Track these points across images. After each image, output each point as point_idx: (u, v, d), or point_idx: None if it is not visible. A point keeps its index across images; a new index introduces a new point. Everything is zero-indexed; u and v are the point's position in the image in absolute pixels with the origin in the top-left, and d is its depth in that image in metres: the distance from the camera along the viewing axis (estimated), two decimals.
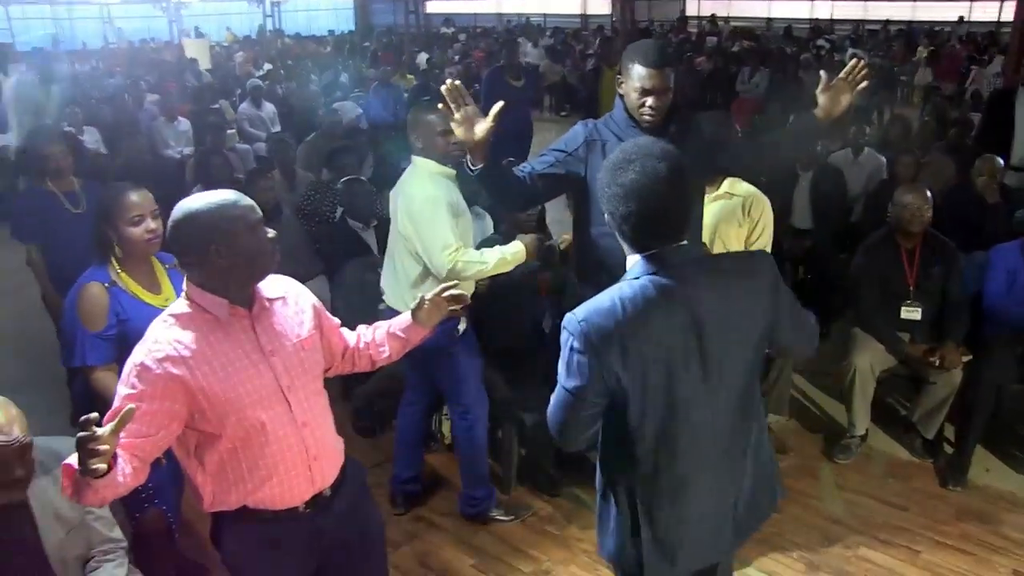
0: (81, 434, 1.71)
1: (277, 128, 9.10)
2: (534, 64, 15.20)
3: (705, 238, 3.66)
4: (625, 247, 2.02)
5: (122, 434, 1.85)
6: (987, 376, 4.08)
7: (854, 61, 2.96)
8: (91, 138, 8.10)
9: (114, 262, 2.78)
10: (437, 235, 3.20)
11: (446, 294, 2.46)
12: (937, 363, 4.09)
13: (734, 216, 3.92)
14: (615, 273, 2.97)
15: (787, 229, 5.91)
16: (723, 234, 3.94)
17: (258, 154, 8.27)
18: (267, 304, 2.15)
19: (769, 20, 26.39)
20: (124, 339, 2.66)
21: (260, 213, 2.08)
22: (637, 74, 2.86)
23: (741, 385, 2.07)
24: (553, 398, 2.04)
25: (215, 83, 12.28)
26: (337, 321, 2.44)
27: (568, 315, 1.94)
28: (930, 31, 20.88)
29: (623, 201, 1.92)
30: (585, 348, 1.90)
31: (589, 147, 3.01)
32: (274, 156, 6.40)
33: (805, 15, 26.35)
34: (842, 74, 2.93)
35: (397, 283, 3.49)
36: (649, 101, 2.87)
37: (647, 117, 2.91)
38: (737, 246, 3.88)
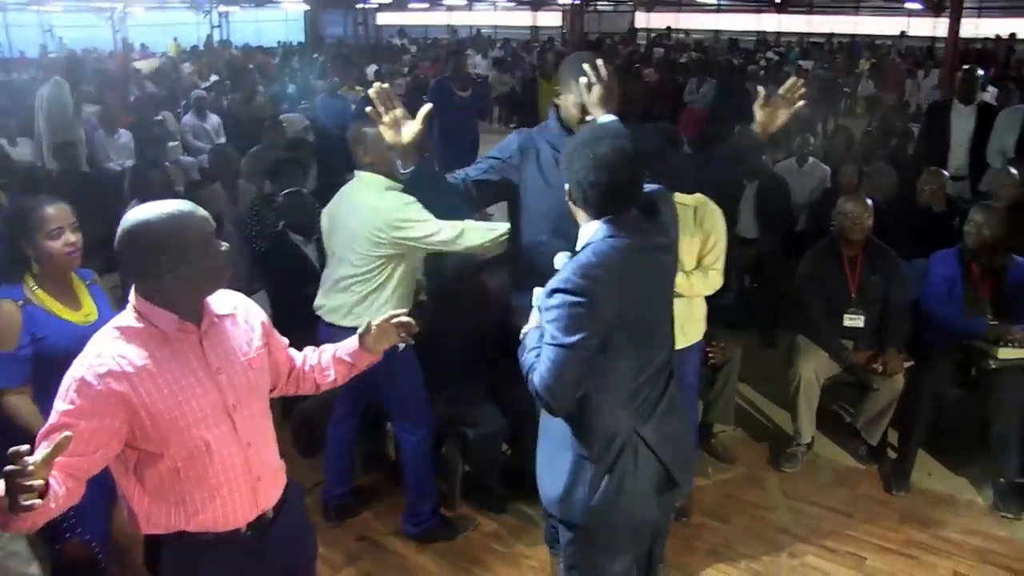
0: (9, 468, 1.59)
1: (222, 140, 8.96)
2: (483, 75, 15.22)
3: None
4: (583, 216, 2.29)
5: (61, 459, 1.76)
6: (927, 382, 4.12)
7: (793, 79, 2.95)
8: (24, 149, 7.87)
9: (29, 279, 2.66)
10: (431, 222, 3.16)
11: (394, 320, 2.41)
12: (880, 370, 4.13)
13: (686, 226, 3.80)
14: (546, 280, 2.96)
15: (733, 238, 5.91)
16: None
17: (202, 166, 8.14)
18: (216, 320, 2.08)
19: (717, 32, 26.75)
20: (40, 359, 2.57)
21: (214, 225, 2.01)
22: (578, 88, 2.77)
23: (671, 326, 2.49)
24: (547, 363, 2.18)
25: (159, 94, 12.06)
26: (285, 341, 2.38)
27: (559, 278, 2.19)
28: (871, 44, 21.30)
29: (593, 171, 2.20)
30: (587, 297, 2.13)
31: (523, 155, 2.98)
32: (216, 168, 6.28)
33: (752, 27, 26.78)
34: (781, 90, 2.92)
35: (348, 299, 3.43)
36: (589, 117, 2.78)
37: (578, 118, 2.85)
38: (689, 257, 3.74)
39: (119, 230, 1.94)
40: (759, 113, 2.92)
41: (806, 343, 4.33)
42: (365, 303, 3.39)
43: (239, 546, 2.12)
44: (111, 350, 1.93)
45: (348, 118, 10.49)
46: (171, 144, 8.91)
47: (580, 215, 2.31)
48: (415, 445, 3.64)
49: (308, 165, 6.05)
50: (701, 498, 4.02)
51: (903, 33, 22.56)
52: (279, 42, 26.19)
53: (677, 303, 3.59)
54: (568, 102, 2.86)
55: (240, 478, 2.08)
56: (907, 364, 4.18)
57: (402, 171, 2.81)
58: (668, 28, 25.74)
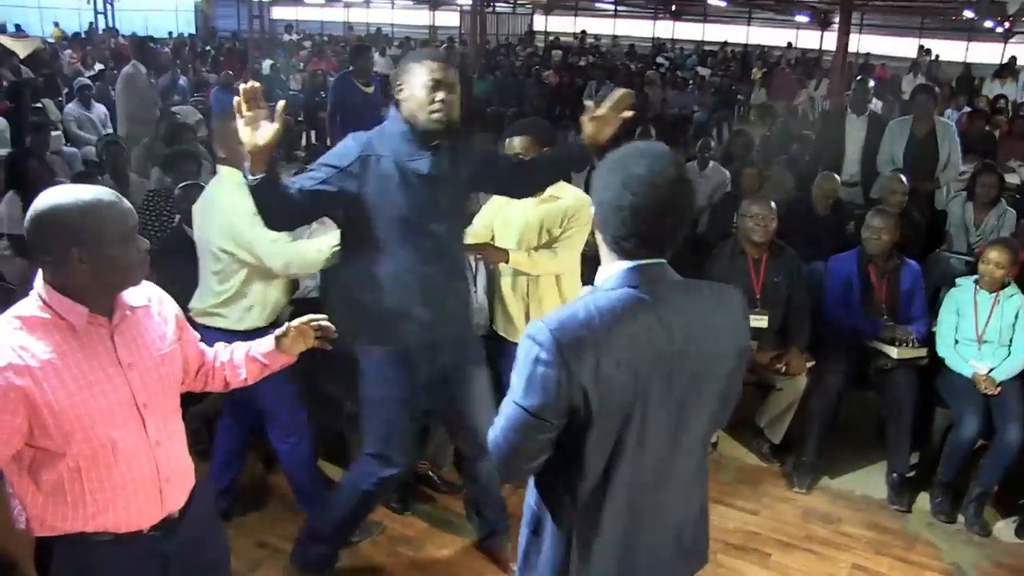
0: None
1: (109, 130, 8.56)
2: (383, 73, 15.03)
3: (521, 241, 3.61)
4: (605, 252, 1.86)
5: None
6: (829, 382, 4.23)
7: (622, 92, 2.93)
8: None
9: None
10: (259, 233, 3.03)
11: (314, 323, 2.30)
12: (783, 369, 4.22)
13: (555, 222, 3.68)
14: (362, 308, 2.84)
15: None
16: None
17: (87, 158, 7.76)
18: (129, 313, 1.96)
19: (614, 37, 27.16)
20: None
21: (135, 220, 1.89)
22: (428, 68, 2.76)
23: (703, 424, 1.91)
24: (501, 421, 1.82)
25: (36, 80, 11.45)
26: (196, 335, 2.27)
27: (533, 324, 1.76)
28: (762, 54, 22.01)
29: (622, 193, 1.75)
30: (554, 359, 1.70)
31: (364, 163, 2.81)
32: (105, 159, 5.99)
33: (647, 34, 27.32)
34: (608, 103, 2.90)
35: (211, 299, 3.33)
36: (440, 95, 2.75)
37: (436, 114, 2.77)
38: (532, 237, 3.66)
39: (30, 211, 1.81)
40: (587, 125, 2.91)
41: None
42: (228, 305, 3.30)
43: (141, 548, 2.00)
44: (11, 341, 1.79)
45: None
46: (54, 134, 8.46)
47: (602, 251, 1.87)
48: (288, 453, 3.52)
49: (202, 158, 5.82)
50: None
51: (790, 44, 23.40)
52: (169, 33, 25.34)
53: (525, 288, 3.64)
54: (417, 86, 2.78)
55: (147, 479, 1.97)
56: (809, 364, 4.28)
57: (250, 176, 2.54)
58: (583, 32, 25.81)
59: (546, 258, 3.55)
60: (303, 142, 11.00)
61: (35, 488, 1.89)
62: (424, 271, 2.93)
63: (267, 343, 2.31)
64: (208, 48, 19.31)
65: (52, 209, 1.79)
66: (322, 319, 2.32)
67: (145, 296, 2.05)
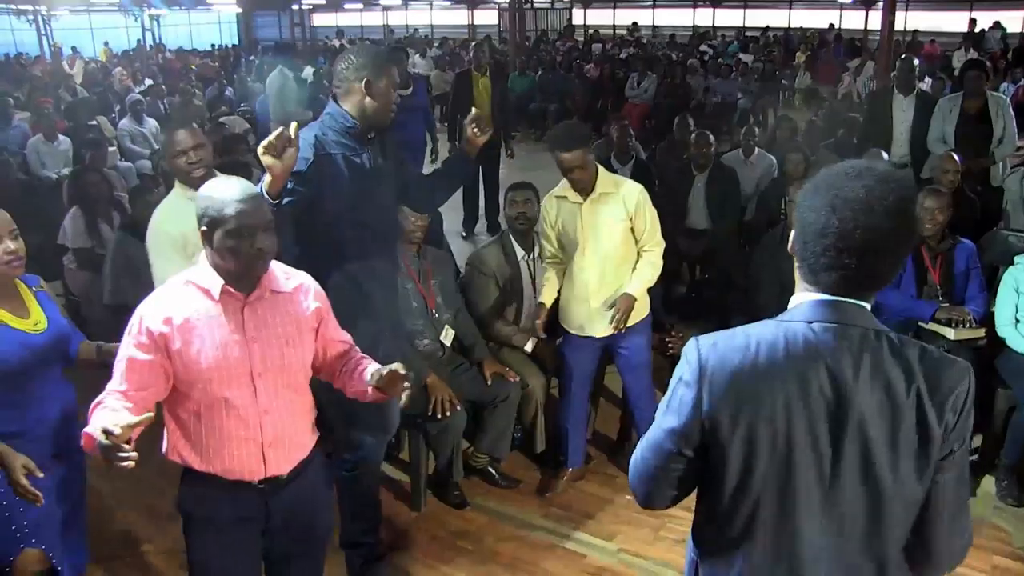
0: (104, 443, 1.86)
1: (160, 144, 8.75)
2: (423, 74, 15.13)
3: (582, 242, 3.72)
4: (799, 279, 1.64)
5: (125, 385, 2.11)
6: None
7: (476, 113, 3.05)
8: None
9: None
10: (159, 268, 3.10)
11: (401, 373, 2.35)
12: None
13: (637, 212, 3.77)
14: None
15: (683, 230, 5.98)
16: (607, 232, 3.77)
17: (141, 171, 7.96)
18: (268, 295, 2.24)
19: (654, 27, 26.95)
20: None
21: (263, 218, 2.14)
22: (392, 71, 2.96)
23: (869, 516, 1.56)
24: (643, 439, 1.69)
25: (91, 99, 11.75)
26: (347, 336, 2.49)
27: (690, 341, 1.61)
28: (805, 37, 21.66)
29: (828, 214, 1.51)
30: (694, 381, 1.55)
31: (319, 161, 2.87)
32: (160, 172, 6.14)
33: (687, 23, 27.08)
34: (467, 131, 3.04)
35: None
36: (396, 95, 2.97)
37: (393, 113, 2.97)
38: (627, 243, 3.81)
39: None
40: (467, 130, 3.06)
41: None
42: None
43: (247, 498, 2.29)
44: (170, 297, 2.18)
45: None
46: (109, 149, 8.68)
47: (797, 277, 1.65)
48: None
49: (250, 165, 5.92)
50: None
51: (832, 26, 22.99)
52: (212, 45, 25.77)
53: (601, 284, 3.73)
54: (384, 87, 2.91)
55: (251, 439, 2.23)
56: None
57: (271, 201, 2.53)
58: (634, 23, 25.54)
59: (656, 254, 3.76)
60: None
61: (172, 421, 2.25)
62: (370, 265, 3.05)
63: (370, 374, 2.40)
64: (252, 58, 19.59)
65: (203, 196, 2.15)
66: (400, 371, 2.35)
67: (294, 284, 2.32)
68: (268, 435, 2.25)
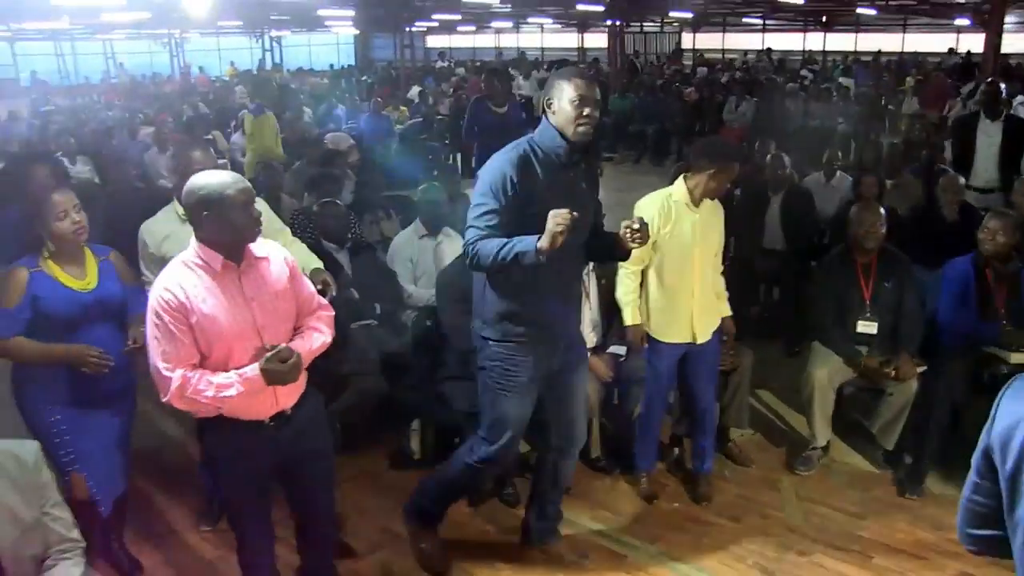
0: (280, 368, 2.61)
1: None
2: (527, 95, 15.45)
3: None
4: None
5: (194, 358, 2.59)
6: (942, 387, 4.18)
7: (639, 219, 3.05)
8: (82, 167, 8.26)
9: (44, 252, 3.13)
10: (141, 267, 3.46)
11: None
12: (892, 374, 4.20)
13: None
14: (507, 306, 3.13)
15: (759, 250, 6.05)
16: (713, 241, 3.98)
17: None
18: (254, 261, 2.69)
19: (769, 51, 26.66)
20: (37, 317, 3.09)
21: (252, 194, 2.64)
22: (575, 85, 3.01)
23: None
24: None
25: (210, 115, 12.49)
26: (310, 285, 2.93)
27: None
28: (918, 62, 21.11)
29: None
30: (994, 409, 1.54)
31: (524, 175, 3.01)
32: (259, 182, 6.56)
33: (798, 47, 26.71)
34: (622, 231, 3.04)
35: None
36: (586, 110, 3.00)
37: (583, 128, 3.02)
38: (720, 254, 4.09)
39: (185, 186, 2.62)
40: (623, 231, 3.06)
41: (820, 349, 4.42)
42: None
43: (262, 433, 2.76)
44: (178, 277, 2.58)
45: (391, 137, 10.85)
46: (220, 162, 9.24)
47: None
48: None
49: (344, 178, 6.29)
50: (715, 498, 4.14)
51: (951, 50, 22.33)
52: (331, 65, 26.78)
53: (703, 292, 3.90)
54: (565, 102, 3.00)
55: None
56: (920, 369, 4.25)
57: (540, 252, 2.85)
58: (769, 50, 25.10)
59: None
60: (450, 161, 11.56)
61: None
62: (559, 271, 3.14)
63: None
64: (365, 77, 20.32)
65: (193, 186, 2.57)
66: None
67: (267, 250, 2.75)
68: None
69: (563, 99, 3.02)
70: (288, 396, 2.80)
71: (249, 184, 2.65)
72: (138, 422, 3.57)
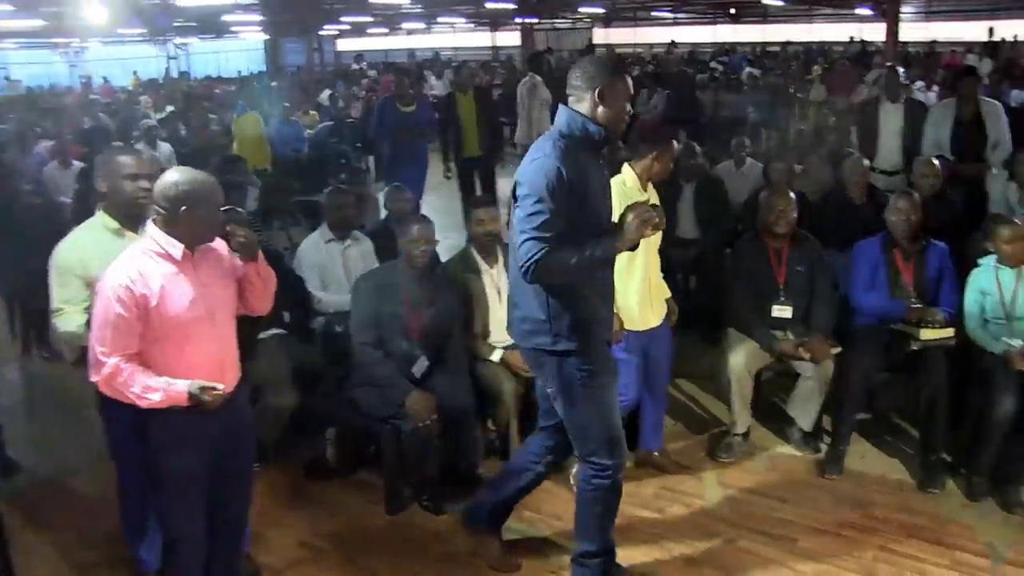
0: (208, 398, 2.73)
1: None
2: (440, 95, 15.33)
3: None
4: None
5: (130, 348, 2.70)
6: (855, 366, 4.22)
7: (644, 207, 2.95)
8: None
9: None
10: (53, 295, 3.16)
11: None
12: (808, 357, 4.23)
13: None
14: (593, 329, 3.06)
15: (673, 240, 6.04)
16: None
17: None
18: (206, 250, 2.85)
19: (671, 44, 27.01)
20: None
21: (222, 194, 2.82)
22: (628, 84, 2.99)
23: None
24: None
25: (109, 126, 12.06)
26: (238, 262, 2.99)
27: None
28: (824, 51, 21.64)
29: None
30: None
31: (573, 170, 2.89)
32: None
33: (709, 39, 27.14)
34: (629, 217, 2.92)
35: None
36: (630, 106, 3.02)
37: (624, 124, 3.03)
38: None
39: (159, 181, 2.74)
40: (629, 216, 2.95)
41: (736, 335, 4.43)
42: None
43: (204, 423, 2.81)
44: (136, 265, 2.71)
45: (300, 142, 10.64)
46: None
47: None
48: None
49: (247, 185, 6.11)
50: (637, 491, 4.08)
51: (853, 39, 22.94)
52: (239, 72, 26.25)
53: (656, 273, 3.99)
54: (619, 100, 2.95)
55: (214, 362, 2.86)
56: (835, 350, 4.28)
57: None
58: (672, 41, 25.13)
59: None
60: (363, 164, 11.38)
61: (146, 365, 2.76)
62: (606, 273, 3.14)
63: None
64: (275, 83, 19.96)
65: (171, 180, 2.71)
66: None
67: (216, 243, 2.89)
68: (226, 358, 2.91)
69: (619, 96, 2.95)
70: (232, 376, 2.95)
71: (216, 184, 2.82)
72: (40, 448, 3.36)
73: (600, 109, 2.93)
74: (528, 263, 2.78)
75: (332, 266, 4.81)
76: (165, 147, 9.42)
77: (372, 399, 3.96)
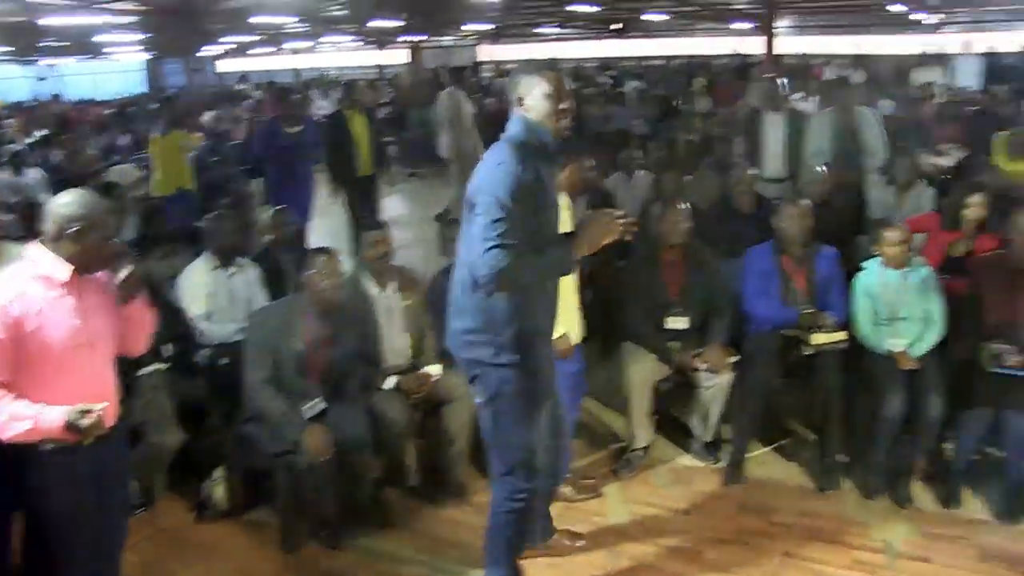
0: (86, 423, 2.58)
1: (45, 195, 8.50)
2: (327, 115, 15.08)
3: None
4: None
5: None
6: (751, 374, 4.25)
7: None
8: None
9: None
10: None
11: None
12: (705, 367, 4.23)
13: None
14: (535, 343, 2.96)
15: None
16: None
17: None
18: (93, 278, 2.77)
19: (552, 60, 27.32)
20: None
21: (115, 222, 2.80)
22: (548, 79, 2.89)
23: None
24: None
25: None
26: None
27: None
28: (706, 63, 22.24)
29: None
30: None
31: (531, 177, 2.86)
32: (33, 223, 5.97)
33: (592, 55, 27.57)
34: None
35: None
36: (565, 103, 2.91)
37: (564, 121, 2.92)
38: None
39: (52, 202, 2.70)
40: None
41: (633, 348, 4.41)
42: None
43: (82, 456, 2.71)
44: (15, 286, 2.62)
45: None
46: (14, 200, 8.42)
47: None
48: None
49: (125, 212, 5.81)
50: None
51: (735, 52, 23.65)
52: (116, 94, 25.31)
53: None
54: (544, 100, 2.88)
55: (92, 395, 2.68)
56: (731, 359, 4.30)
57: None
58: (551, 59, 25.40)
59: None
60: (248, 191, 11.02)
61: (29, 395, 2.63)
62: (551, 285, 3.06)
63: None
64: (155, 105, 19.33)
65: (64, 203, 2.66)
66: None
67: (103, 274, 2.82)
68: (104, 390, 2.78)
69: (537, 94, 2.88)
70: (110, 411, 2.78)
71: (114, 212, 2.82)
72: None
73: (527, 113, 2.91)
74: (493, 271, 2.71)
75: (217, 295, 4.59)
76: (34, 173, 8.95)
77: (264, 435, 3.77)
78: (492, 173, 2.83)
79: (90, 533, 2.82)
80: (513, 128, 2.95)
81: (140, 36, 21.06)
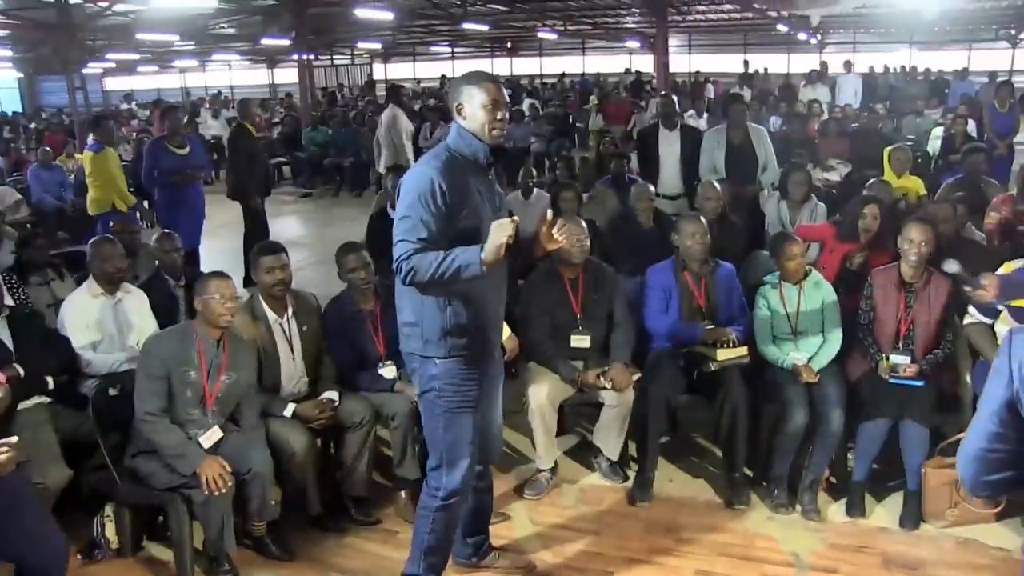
0: None
1: None
2: (217, 135, 14.72)
3: None
4: None
5: None
6: (655, 391, 4.23)
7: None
8: None
9: None
10: None
11: None
12: (608, 385, 4.20)
13: None
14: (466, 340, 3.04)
15: None
16: None
17: None
18: None
19: (443, 78, 27.45)
20: None
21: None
22: (486, 89, 2.95)
23: None
24: (970, 426, 1.79)
25: None
26: None
27: (1007, 333, 1.71)
28: (599, 81, 22.62)
29: None
30: (1003, 356, 1.66)
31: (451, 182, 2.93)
32: None
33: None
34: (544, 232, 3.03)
35: None
36: (499, 114, 2.98)
37: (496, 131, 3.00)
38: None
39: None
40: (545, 231, 3.05)
41: (536, 368, 4.35)
42: None
43: None
44: None
45: (65, 189, 9.80)
46: None
47: None
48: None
49: (2, 237, 5.48)
50: None
51: (628, 70, 24.14)
52: None
53: None
54: (477, 107, 2.94)
55: None
56: (635, 376, 4.28)
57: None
58: (443, 76, 25.37)
59: None
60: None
61: None
62: (492, 283, 3.10)
63: None
64: (33, 125, 18.50)
65: None
66: None
67: None
68: None
69: (475, 104, 2.96)
70: None
71: None
72: None
73: (464, 121, 3.00)
74: (397, 263, 2.91)
75: (102, 323, 4.34)
76: None
77: (158, 468, 3.56)
78: (412, 174, 3.00)
79: None
80: (449, 136, 3.07)
81: (11, 53, 20.14)
